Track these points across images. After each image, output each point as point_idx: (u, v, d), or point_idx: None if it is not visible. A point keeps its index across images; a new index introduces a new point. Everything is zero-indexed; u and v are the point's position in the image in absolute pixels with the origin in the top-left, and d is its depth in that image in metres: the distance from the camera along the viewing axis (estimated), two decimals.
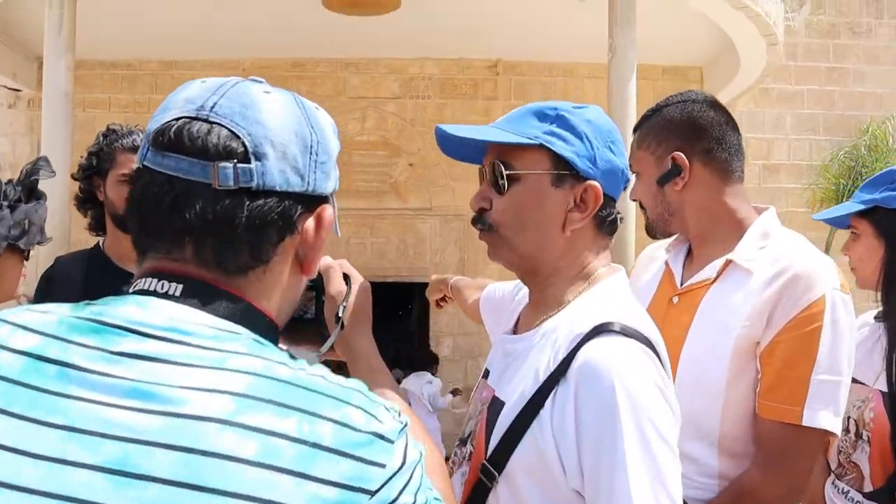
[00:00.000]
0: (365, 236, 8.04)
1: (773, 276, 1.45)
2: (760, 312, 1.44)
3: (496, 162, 1.17)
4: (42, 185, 2.23)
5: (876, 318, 1.95)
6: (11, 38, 7.20)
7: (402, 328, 9.02)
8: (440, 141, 1.24)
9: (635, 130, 1.71)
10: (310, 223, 0.85)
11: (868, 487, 1.82)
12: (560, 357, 1.09)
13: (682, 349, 1.49)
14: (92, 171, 2.34)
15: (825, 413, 1.39)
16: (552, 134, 1.16)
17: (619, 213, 1.22)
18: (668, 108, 1.65)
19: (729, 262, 1.52)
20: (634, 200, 1.71)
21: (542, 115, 1.18)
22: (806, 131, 8.50)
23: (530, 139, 1.16)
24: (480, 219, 1.21)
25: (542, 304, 1.22)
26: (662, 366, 1.11)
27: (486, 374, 1.31)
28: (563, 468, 1.06)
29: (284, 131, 0.80)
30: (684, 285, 1.60)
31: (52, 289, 2.28)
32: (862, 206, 1.86)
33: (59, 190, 5.38)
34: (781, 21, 6.96)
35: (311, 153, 0.83)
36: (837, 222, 2.02)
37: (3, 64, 7.33)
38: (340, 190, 0.90)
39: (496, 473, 1.11)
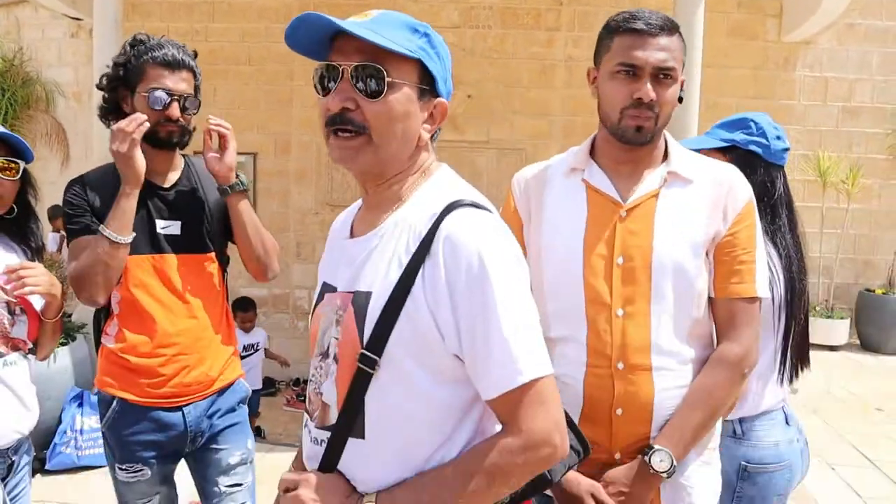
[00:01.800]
0: None
1: (713, 182, 1.70)
2: (715, 209, 1.68)
3: (376, 66, 1.20)
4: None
5: None
6: None
7: None
8: (296, 25, 1.21)
9: (663, 30, 1.67)
10: None
11: None
12: (420, 238, 1.20)
13: (653, 254, 1.66)
14: (118, 83, 2.26)
15: (763, 283, 1.73)
16: (424, 50, 1.24)
17: (439, 128, 1.34)
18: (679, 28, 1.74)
19: (673, 173, 1.71)
20: (648, 102, 1.66)
21: (413, 29, 1.25)
22: (895, 72, 7.94)
23: (411, 51, 1.22)
24: (349, 119, 1.22)
25: (383, 203, 1.30)
26: None
27: (326, 288, 1.35)
28: (441, 336, 1.18)
29: None
30: (630, 199, 1.70)
31: (86, 192, 2.24)
32: (722, 143, 2.24)
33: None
34: None
35: None
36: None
37: None
38: None
39: (377, 358, 1.19)
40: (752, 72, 7.78)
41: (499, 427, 1.26)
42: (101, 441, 4.42)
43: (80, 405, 4.58)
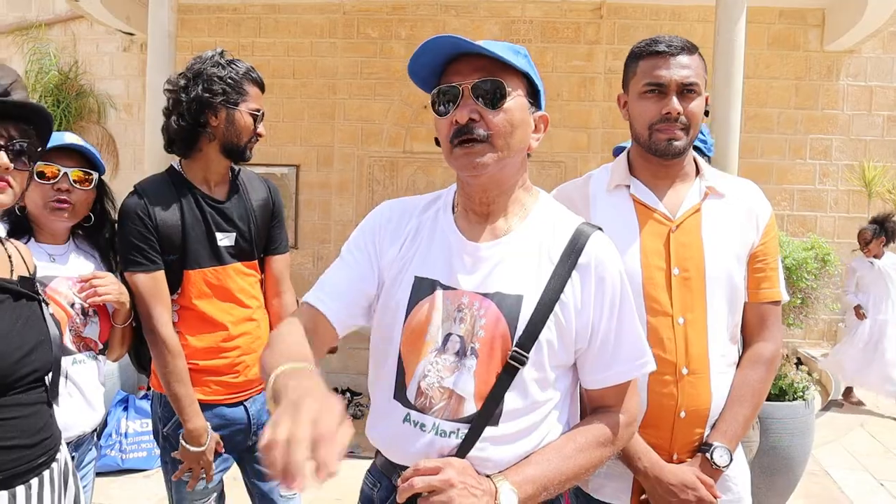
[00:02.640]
0: None
1: (742, 197, 1.84)
2: (748, 222, 1.82)
3: (496, 79, 1.33)
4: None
5: None
6: None
7: None
8: (424, 50, 1.33)
9: (684, 50, 1.76)
10: None
11: None
12: (559, 252, 1.40)
13: (706, 265, 1.76)
14: (216, 97, 2.25)
15: (783, 286, 1.89)
16: (528, 67, 1.38)
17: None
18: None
19: (711, 188, 1.83)
20: (675, 116, 1.74)
21: (515, 51, 1.38)
22: None
23: (521, 66, 1.36)
24: (474, 129, 1.33)
25: (498, 213, 1.44)
26: None
27: (435, 284, 1.41)
28: (574, 335, 1.39)
29: None
30: (679, 214, 1.81)
31: (149, 209, 2.21)
32: None
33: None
34: None
35: None
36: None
37: (117, 8, 7.60)
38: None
39: (527, 355, 1.35)
40: (795, 82, 7.72)
41: (575, 414, 1.50)
42: (144, 445, 4.58)
43: (126, 409, 4.69)
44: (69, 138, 2.18)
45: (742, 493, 1.84)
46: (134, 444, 4.60)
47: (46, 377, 1.69)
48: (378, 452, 1.51)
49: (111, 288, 2.17)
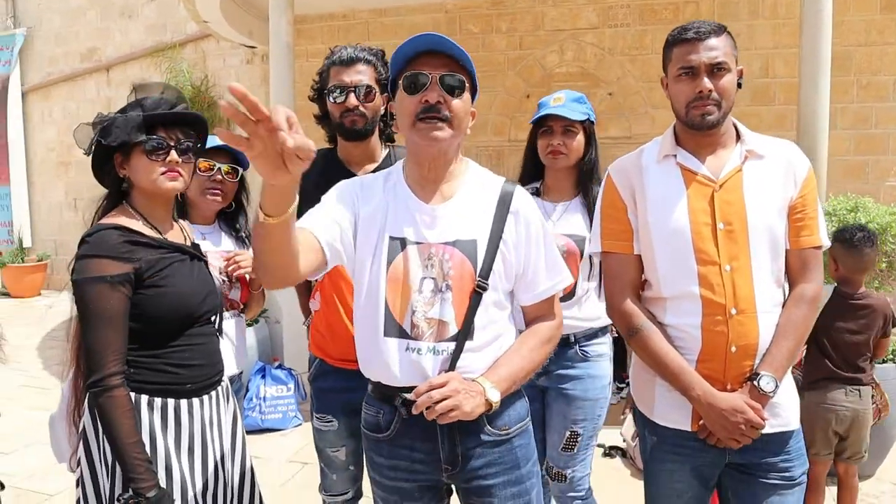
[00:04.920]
0: None
1: (780, 156, 2.06)
2: (787, 178, 2.03)
3: (460, 75, 1.75)
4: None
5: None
6: (246, 1, 8.14)
7: None
8: (417, 42, 1.72)
9: (711, 33, 1.99)
10: None
11: None
12: (495, 202, 1.84)
13: (748, 219, 1.99)
14: (319, 90, 2.51)
15: (825, 233, 2.07)
16: (472, 65, 1.78)
17: None
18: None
19: (750, 151, 2.05)
20: (707, 94, 1.97)
21: (467, 55, 1.76)
22: None
23: (471, 68, 1.78)
24: (439, 109, 1.74)
25: (442, 178, 1.84)
26: None
27: (405, 243, 1.79)
28: (514, 265, 1.84)
29: None
30: (721, 175, 2.04)
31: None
32: (583, 117, 2.76)
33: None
34: None
35: None
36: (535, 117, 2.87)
37: (240, 25, 8.30)
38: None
39: (488, 283, 1.79)
40: None
41: (518, 325, 1.94)
42: (279, 407, 5.20)
43: (263, 377, 5.35)
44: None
45: (790, 418, 2.06)
46: (271, 406, 5.24)
47: (214, 317, 2.18)
48: (372, 385, 1.89)
49: (249, 262, 2.61)
